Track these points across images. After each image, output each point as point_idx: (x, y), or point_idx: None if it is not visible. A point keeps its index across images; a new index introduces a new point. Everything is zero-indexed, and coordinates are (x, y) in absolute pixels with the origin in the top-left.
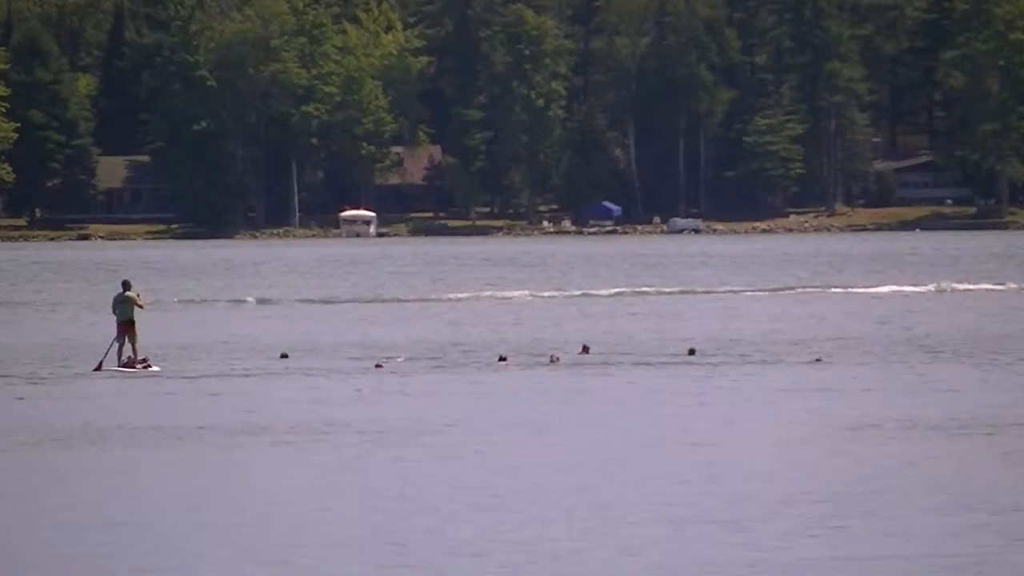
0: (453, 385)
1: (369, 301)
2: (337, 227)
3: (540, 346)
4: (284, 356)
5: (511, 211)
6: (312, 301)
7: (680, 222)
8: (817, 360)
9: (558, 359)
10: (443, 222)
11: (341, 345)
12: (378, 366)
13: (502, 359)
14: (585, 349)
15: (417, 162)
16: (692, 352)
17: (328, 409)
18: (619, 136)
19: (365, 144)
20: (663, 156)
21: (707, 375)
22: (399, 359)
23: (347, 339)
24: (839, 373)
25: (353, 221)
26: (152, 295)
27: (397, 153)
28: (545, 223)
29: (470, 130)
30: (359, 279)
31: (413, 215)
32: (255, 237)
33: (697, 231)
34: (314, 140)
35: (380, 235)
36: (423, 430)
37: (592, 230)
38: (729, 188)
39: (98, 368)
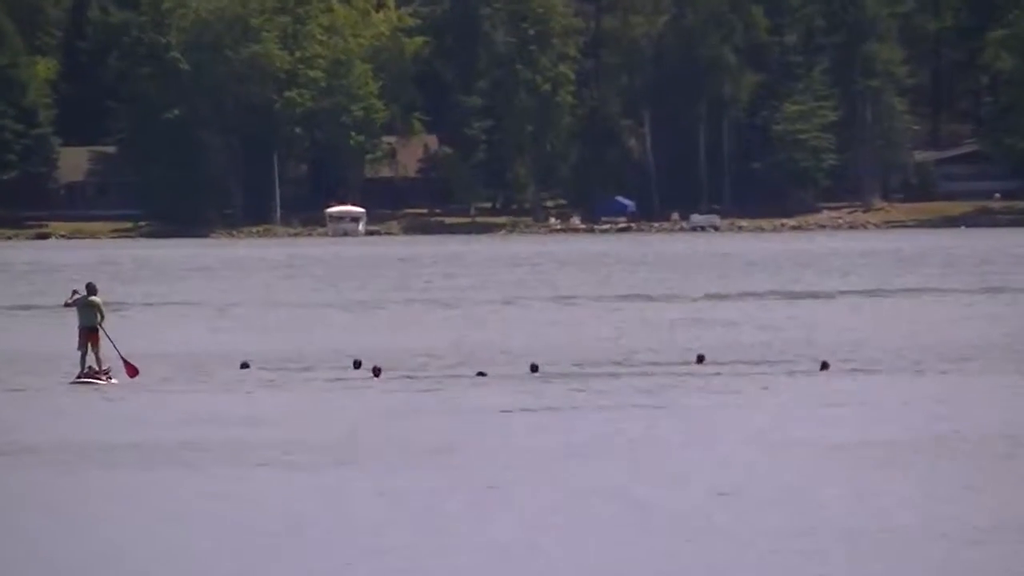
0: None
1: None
2: (323, 225)
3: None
4: (244, 366)
5: (515, 207)
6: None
7: (699, 219)
8: None
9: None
10: (440, 219)
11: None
12: (377, 370)
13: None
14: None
15: (411, 153)
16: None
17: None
18: (634, 124)
19: (354, 134)
20: (682, 146)
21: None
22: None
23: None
24: None
25: (340, 218)
26: (114, 299)
27: (389, 143)
28: (552, 220)
29: (469, 118)
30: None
31: (406, 211)
32: (232, 236)
33: (716, 228)
34: (297, 129)
35: (370, 233)
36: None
37: (604, 227)
38: (755, 181)
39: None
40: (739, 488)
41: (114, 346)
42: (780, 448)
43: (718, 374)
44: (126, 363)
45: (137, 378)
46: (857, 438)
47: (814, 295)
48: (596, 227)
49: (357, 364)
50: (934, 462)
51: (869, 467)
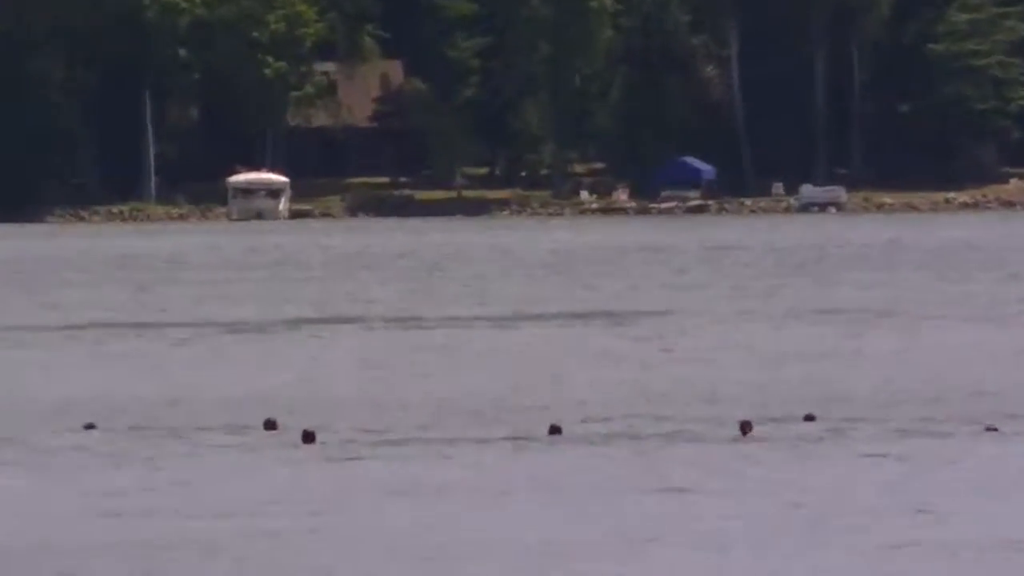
0: None
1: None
2: (222, 202)
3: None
4: (90, 427)
5: (524, 175)
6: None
7: (814, 192)
8: None
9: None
10: (406, 193)
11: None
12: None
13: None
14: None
15: (361, 90)
16: None
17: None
18: (712, 45)
19: (270, 59)
20: (788, 81)
21: None
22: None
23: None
24: None
25: (250, 192)
26: None
27: (326, 75)
28: (584, 195)
29: (453, 33)
30: None
31: (353, 181)
32: (82, 219)
33: (838, 207)
34: (182, 51)
35: (295, 215)
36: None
37: (666, 205)
38: (901, 134)
39: None
40: None
41: None
42: None
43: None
44: None
45: None
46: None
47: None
48: (653, 205)
49: (270, 424)
50: None
51: None
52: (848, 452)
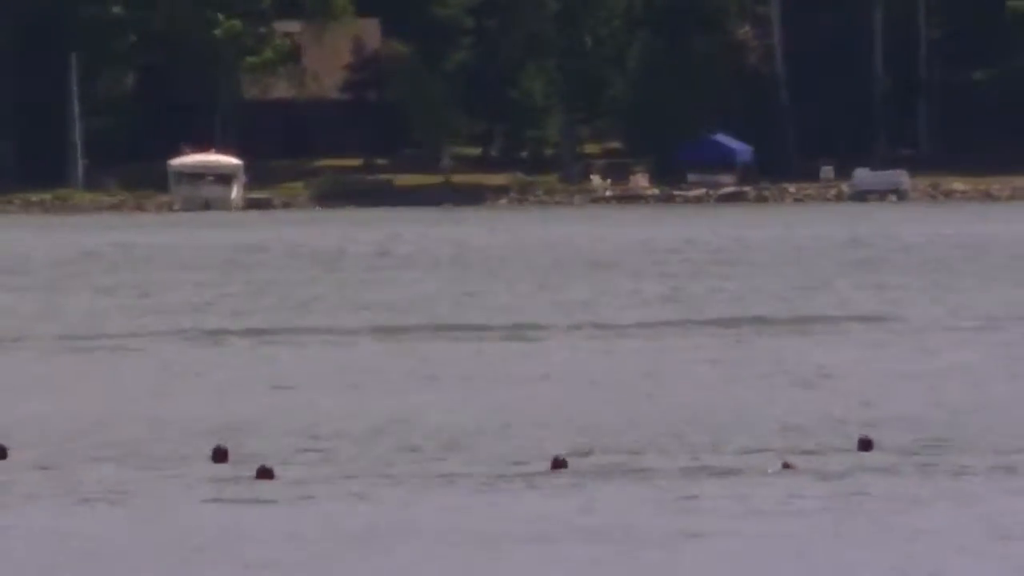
0: None
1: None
2: (164, 188)
3: None
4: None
5: (526, 155)
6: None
7: (870, 177)
8: None
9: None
10: (384, 177)
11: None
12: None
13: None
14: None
15: (331, 54)
16: None
17: None
18: (746, 2)
19: (221, 17)
20: (838, 44)
21: None
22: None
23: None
24: None
25: (196, 177)
26: None
27: (289, 37)
28: (596, 179)
29: None
30: None
31: (321, 164)
32: None
33: (899, 195)
34: (116, 8)
35: (252, 205)
36: None
37: (696, 192)
38: (975, 107)
39: None
40: None
41: None
42: None
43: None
44: None
45: None
46: None
47: None
48: (678, 192)
49: (220, 454)
50: None
51: None
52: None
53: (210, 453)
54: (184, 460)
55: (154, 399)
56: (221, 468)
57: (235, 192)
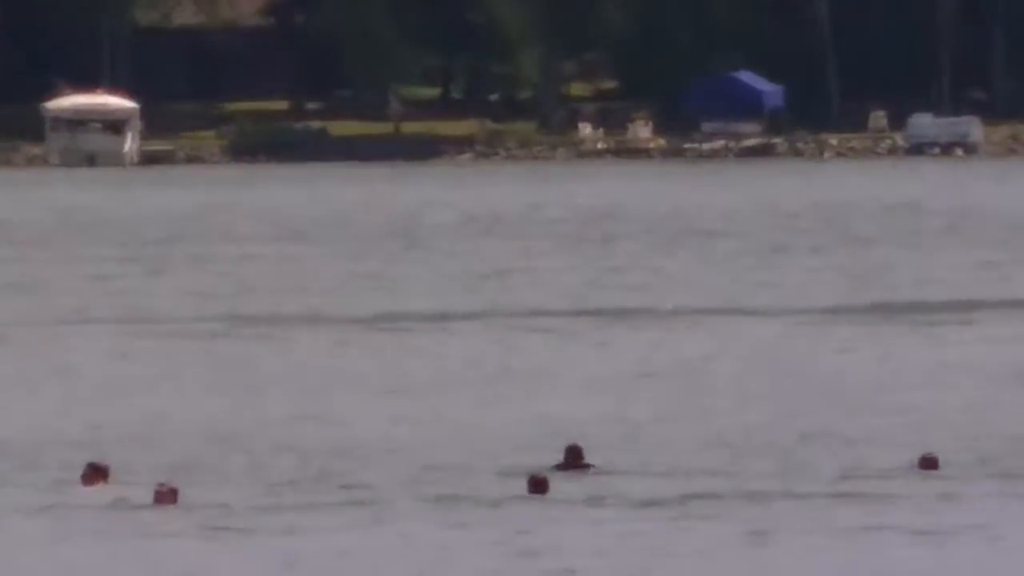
0: None
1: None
2: (38, 139)
3: None
4: None
5: (495, 98)
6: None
7: (931, 125)
8: None
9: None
10: (316, 125)
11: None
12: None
13: None
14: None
15: None
16: None
17: None
18: None
19: None
20: None
21: None
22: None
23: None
24: None
25: (78, 124)
26: None
27: None
28: (586, 128)
29: None
30: None
31: (237, 107)
32: None
33: (966, 147)
34: None
35: (148, 159)
36: None
37: (712, 144)
38: None
39: None
40: None
41: None
42: None
43: None
44: None
45: None
46: None
47: None
48: (689, 145)
49: (95, 471)
50: None
51: None
52: None
53: (82, 473)
54: (55, 484)
55: None
56: (101, 490)
57: (128, 143)
